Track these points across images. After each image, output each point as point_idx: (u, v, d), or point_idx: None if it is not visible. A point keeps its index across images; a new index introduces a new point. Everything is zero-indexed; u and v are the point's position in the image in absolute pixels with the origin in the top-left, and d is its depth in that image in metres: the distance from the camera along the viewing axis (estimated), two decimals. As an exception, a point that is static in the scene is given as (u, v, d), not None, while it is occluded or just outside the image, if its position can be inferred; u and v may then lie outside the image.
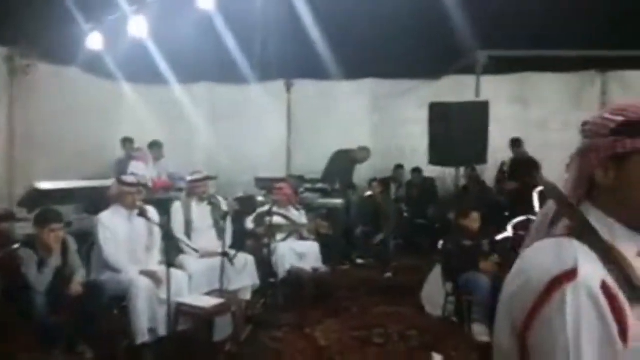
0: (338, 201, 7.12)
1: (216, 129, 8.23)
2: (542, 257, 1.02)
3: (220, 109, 8.39)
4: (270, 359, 3.98)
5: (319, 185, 7.36)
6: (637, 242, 1.02)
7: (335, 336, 4.45)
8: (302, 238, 5.58)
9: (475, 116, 5.63)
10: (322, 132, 8.41)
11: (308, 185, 7.36)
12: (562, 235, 1.04)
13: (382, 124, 8.56)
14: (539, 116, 8.02)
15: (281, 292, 5.11)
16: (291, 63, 8.10)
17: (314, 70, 8.03)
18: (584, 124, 1.15)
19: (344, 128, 8.37)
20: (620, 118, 1.02)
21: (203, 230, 4.74)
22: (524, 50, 6.64)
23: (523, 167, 6.95)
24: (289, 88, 8.71)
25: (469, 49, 6.74)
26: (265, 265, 5.01)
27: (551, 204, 1.11)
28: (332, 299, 5.24)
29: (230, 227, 4.95)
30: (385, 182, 7.47)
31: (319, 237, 5.71)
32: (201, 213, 4.78)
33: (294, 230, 5.52)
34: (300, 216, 5.71)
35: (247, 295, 4.78)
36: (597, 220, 1.03)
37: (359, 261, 6.94)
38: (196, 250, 4.39)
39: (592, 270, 0.94)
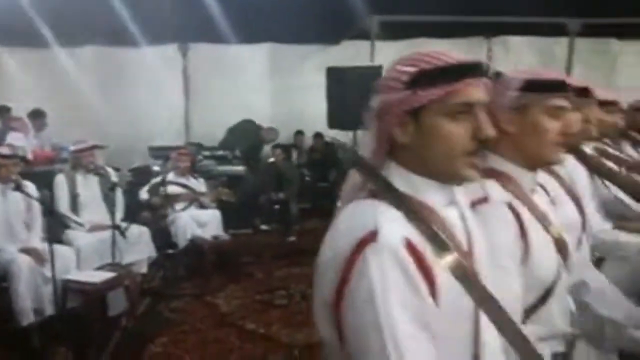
0: (239, 168, 7.06)
1: (106, 96, 7.67)
2: (345, 223, 0.96)
3: (109, 74, 7.81)
4: (170, 329, 3.91)
5: (220, 153, 7.23)
6: (446, 193, 1.01)
7: (237, 302, 4.47)
8: (202, 207, 5.46)
9: (369, 80, 5.65)
10: (220, 98, 8.16)
11: (207, 153, 7.19)
12: (364, 198, 0.99)
13: (282, 89, 8.47)
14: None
15: (181, 262, 5.03)
16: (186, 25, 7.73)
17: (210, 34, 7.72)
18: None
19: (243, 94, 8.19)
20: (413, 69, 0.95)
21: (91, 204, 4.48)
22: (415, 16, 6.84)
23: None
24: (184, 52, 8.34)
25: (363, 14, 6.83)
26: (163, 236, 4.88)
27: None
28: (234, 266, 5.23)
29: (122, 199, 4.75)
30: (286, 149, 7.49)
31: (221, 205, 5.63)
32: (88, 185, 4.51)
33: (193, 199, 5.40)
34: (199, 184, 5.59)
35: (143, 268, 4.65)
36: (401, 177, 0.99)
37: (263, 227, 6.97)
38: (81, 224, 4.16)
39: (394, 230, 0.89)
